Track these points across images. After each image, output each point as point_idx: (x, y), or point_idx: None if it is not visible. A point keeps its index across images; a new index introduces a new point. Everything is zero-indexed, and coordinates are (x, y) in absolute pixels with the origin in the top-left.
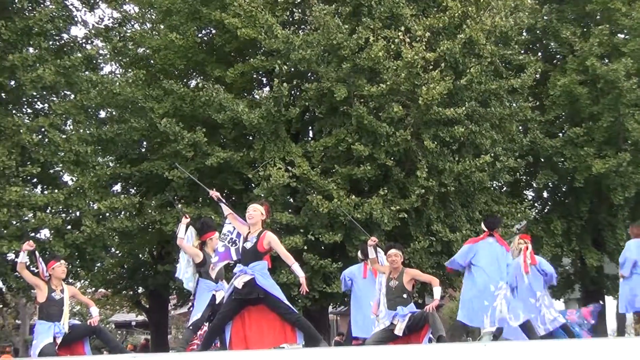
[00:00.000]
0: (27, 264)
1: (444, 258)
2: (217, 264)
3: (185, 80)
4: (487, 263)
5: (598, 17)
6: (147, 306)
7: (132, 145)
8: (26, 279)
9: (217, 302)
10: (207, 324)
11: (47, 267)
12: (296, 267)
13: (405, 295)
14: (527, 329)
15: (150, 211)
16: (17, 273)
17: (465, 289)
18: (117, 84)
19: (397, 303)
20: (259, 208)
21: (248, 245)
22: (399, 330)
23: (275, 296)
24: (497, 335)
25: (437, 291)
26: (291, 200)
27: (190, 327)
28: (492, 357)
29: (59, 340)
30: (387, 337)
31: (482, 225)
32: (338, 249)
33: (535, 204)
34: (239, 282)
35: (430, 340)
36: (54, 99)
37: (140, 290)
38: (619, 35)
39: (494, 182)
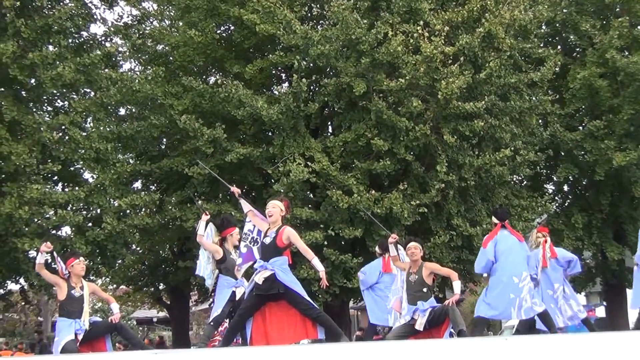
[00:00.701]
0: (48, 261)
1: (464, 252)
2: (241, 265)
3: (204, 76)
4: (507, 255)
5: (618, 9)
6: (168, 302)
7: (152, 142)
8: (45, 278)
9: (237, 298)
10: (227, 320)
11: (66, 264)
12: (316, 262)
13: (425, 290)
14: (544, 318)
15: (170, 208)
16: None
17: (492, 285)
18: (137, 81)
19: (417, 298)
20: (278, 205)
21: (267, 240)
22: (419, 325)
23: (296, 291)
24: (522, 330)
25: (457, 285)
26: (311, 195)
27: (212, 323)
28: (514, 351)
29: (80, 337)
30: (408, 331)
31: (494, 218)
32: (358, 244)
33: (556, 198)
34: (259, 278)
35: (451, 335)
36: (74, 96)
37: (161, 286)
38: (639, 27)
39: (514, 176)
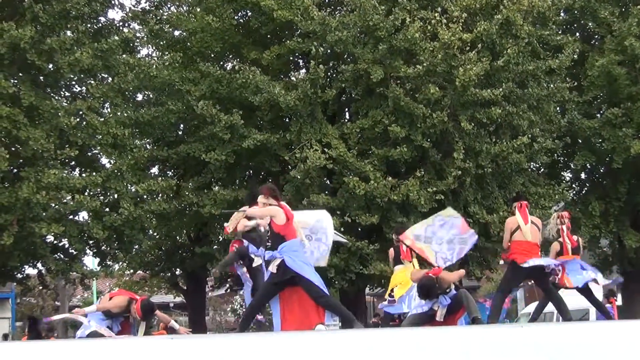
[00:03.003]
0: None
1: (481, 240)
2: None
3: (221, 62)
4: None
5: None
6: (185, 288)
7: (169, 128)
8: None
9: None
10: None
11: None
12: None
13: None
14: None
15: (187, 193)
16: (56, 255)
17: None
18: (154, 66)
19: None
20: (259, 201)
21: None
22: (440, 316)
23: (306, 277)
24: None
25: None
26: (327, 182)
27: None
28: (529, 338)
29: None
30: (424, 320)
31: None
32: (375, 231)
33: (573, 186)
34: (272, 267)
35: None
36: (92, 82)
37: (178, 272)
38: None
39: (531, 163)
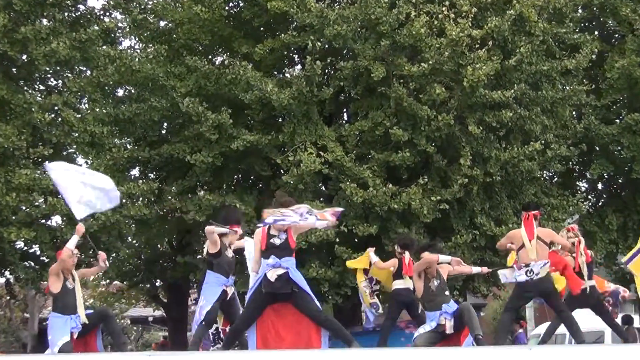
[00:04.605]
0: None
1: (487, 254)
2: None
3: (210, 56)
4: None
5: None
6: (166, 301)
7: (151, 127)
8: (64, 267)
9: (227, 298)
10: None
11: (57, 256)
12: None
13: (447, 292)
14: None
15: (170, 198)
16: (26, 263)
17: None
18: (137, 59)
19: (441, 302)
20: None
21: (277, 241)
22: (450, 328)
23: (307, 293)
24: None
25: (476, 269)
26: (323, 188)
27: (203, 323)
28: None
29: (76, 334)
30: (437, 338)
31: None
32: (373, 242)
33: (589, 197)
34: (272, 275)
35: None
36: (69, 75)
37: (158, 283)
38: None
39: (544, 171)
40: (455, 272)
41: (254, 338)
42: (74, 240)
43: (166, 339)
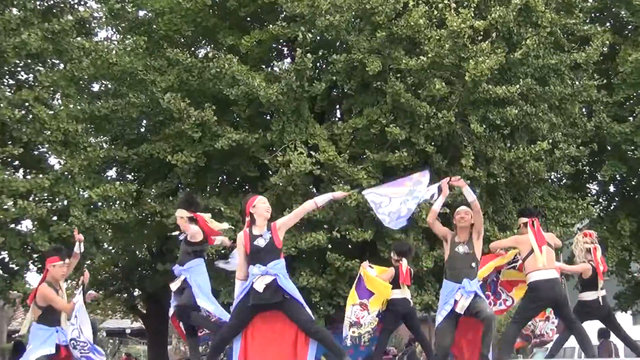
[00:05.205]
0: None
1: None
2: None
3: (192, 49)
4: None
5: None
6: (144, 312)
7: (129, 124)
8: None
9: None
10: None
11: (47, 261)
12: (319, 198)
13: (474, 265)
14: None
15: (149, 201)
16: None
17: None
18: (114, 52)
19: (464, 274)
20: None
21: (262, 242)
22: (461, 308)
23: (299, 301)
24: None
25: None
26: (314, 190)
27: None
28: None
29: (63, 347)
30: (453, 325)
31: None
32: (367, 249)
33: (600, 200)
34: (259, 285)
35: None
36: (40, 68)
37: (137, 292)
38: None
39: (552, 173)
40: None
41: (237, 347)
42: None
43: (129, 356)
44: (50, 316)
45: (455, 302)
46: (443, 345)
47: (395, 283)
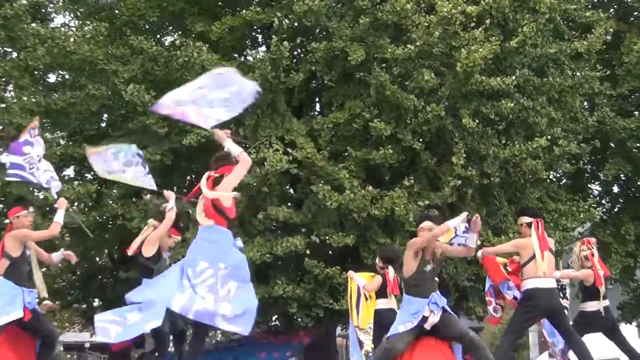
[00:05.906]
0: None
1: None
2: None
3: (158, 36)
4: None
5: None
6: None
7: (89, 119)
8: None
9: None
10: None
11: (9, 214)
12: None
13: (437, 279)
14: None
15: (110, 202)
16: None
17: None
18: (72, 39)
19: (433, 290)
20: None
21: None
22: (429, 325)
23: None
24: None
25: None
26: (291, 191)
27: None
28: None
29: (29, 310)
30: (413, 334)
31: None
32: (349, 254)
33: (603, 202)
34: None
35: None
36: None
37: (97, 303)
38: None
39: (551, 172)
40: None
41: None
42: (60, 215)
43: None
44: (18, 271)
45: (425, 318)
46: (395, 348)
47: (381, 292)
